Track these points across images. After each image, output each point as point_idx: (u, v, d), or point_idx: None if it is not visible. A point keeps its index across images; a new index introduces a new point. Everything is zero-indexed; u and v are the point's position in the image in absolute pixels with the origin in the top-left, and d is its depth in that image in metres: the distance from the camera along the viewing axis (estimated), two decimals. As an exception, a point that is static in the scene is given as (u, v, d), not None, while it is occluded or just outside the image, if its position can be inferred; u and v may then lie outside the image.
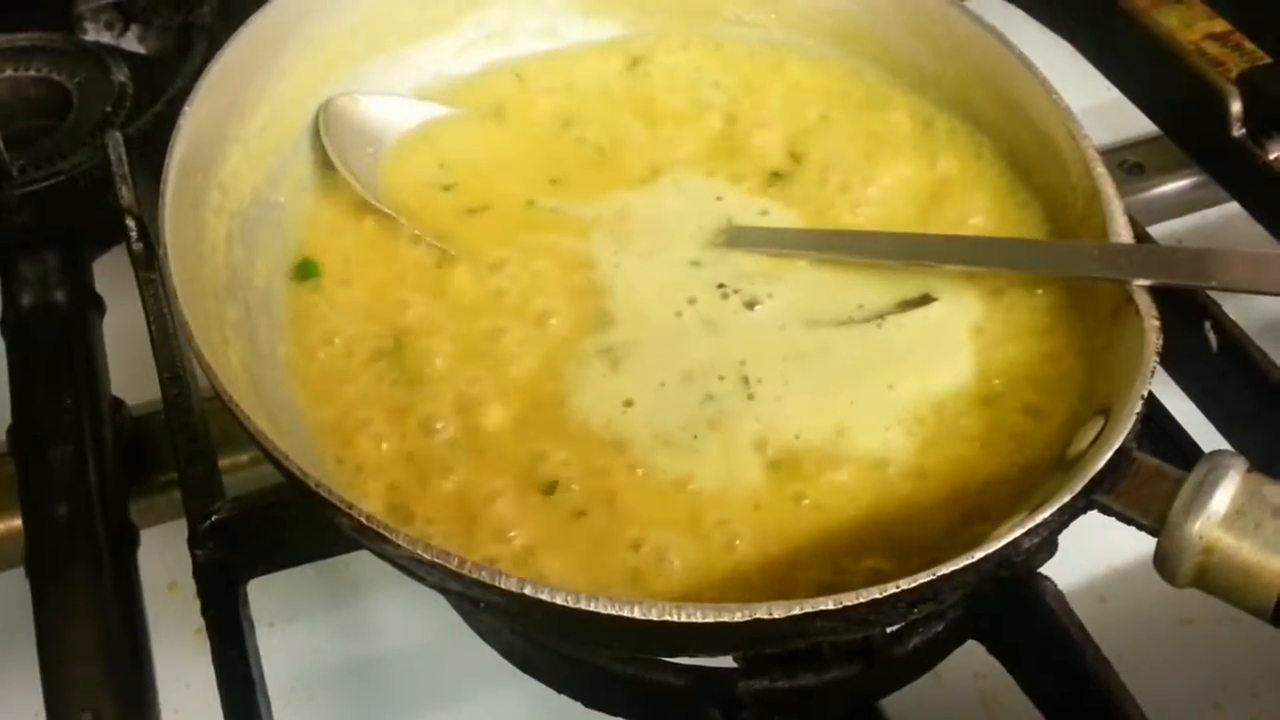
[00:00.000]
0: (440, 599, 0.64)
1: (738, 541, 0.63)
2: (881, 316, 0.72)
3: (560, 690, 0.72)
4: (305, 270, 0.72)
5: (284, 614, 0.82)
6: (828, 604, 0.53)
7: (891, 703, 0.71)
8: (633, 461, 0.66)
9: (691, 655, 0.67)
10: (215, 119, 0.71)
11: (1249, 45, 1.04)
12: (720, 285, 0.74)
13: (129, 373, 0.85)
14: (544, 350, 0.71)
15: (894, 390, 0.69)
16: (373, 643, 0.83)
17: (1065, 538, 0.60)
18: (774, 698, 0.67)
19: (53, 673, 0.70)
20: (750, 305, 0.73)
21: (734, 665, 0.67)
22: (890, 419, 0.68)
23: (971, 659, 0.71)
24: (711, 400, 0.69)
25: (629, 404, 0.68)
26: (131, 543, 0.78)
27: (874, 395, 0.69)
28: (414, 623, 0.82)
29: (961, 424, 0.68)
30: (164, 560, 0.77)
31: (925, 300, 0.73)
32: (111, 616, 0.74)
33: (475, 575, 0.53)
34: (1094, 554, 0.81)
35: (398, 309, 0.72)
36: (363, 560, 0.58)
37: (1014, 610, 0.67)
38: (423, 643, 0.81)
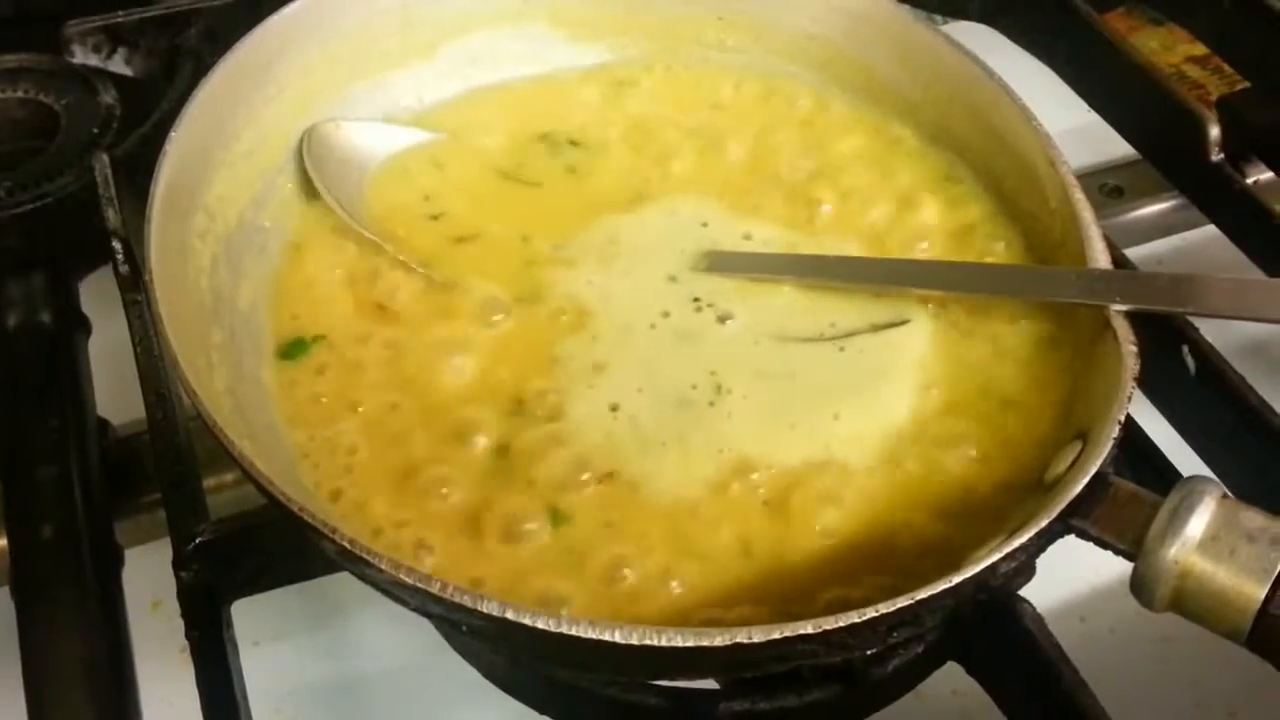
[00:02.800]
0: (425, 619, 0.65)
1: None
2: (851, 335, 0.73)
3: (542, 711, 0.72)
4: (292, 350, 0.72)
5: (269, 634, 0.81)
6: (807, 628, 0.53)
7: (872, 721, 0.71)
8: (615, 470, 0.67)
9: (672, 679, 0.67)
10: (201, 143, 0.72)
11: (1229, 68, 1.05)
12: (695, 299, 0.75)
13: (115, 393, 0.85)
14: (524, 367, 0.72)
15: (839, 420, 0.69)
16: (358, 663, 0.83)
17: (1046, 558, 0.60)
18: (755, 719, 0.67)
19: (37, 692, 0.70)
20: (722, 320, 0.74)
21: (715, 687, 0.67)
22: (838, 446, 0.68)
23: (950, 678, 0.71)
24: (685, 407, 0.69)
25: (615, 408, 0.69)
26: (116, 562, 0.78)
27: (820, 422, 0.69)
28: (399, 643, 0.82)
29: (927, 449, 0.68)
30: (149, 579, 0.77)
31: (898, 323, 0.73)
32: (96, 636, 0.73)
33: (457, 599, 0.53)
34: (1074, 574, 0.81)
35: (380, 332, 0.72)
36: (348, 580, 0.58)
37: (992, 632, 0.67)
38: (408, 663, 0.81)
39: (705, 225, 0.79)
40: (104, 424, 0.85)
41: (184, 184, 0.69)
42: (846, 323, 0.74)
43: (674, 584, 0.63)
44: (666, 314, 0.74)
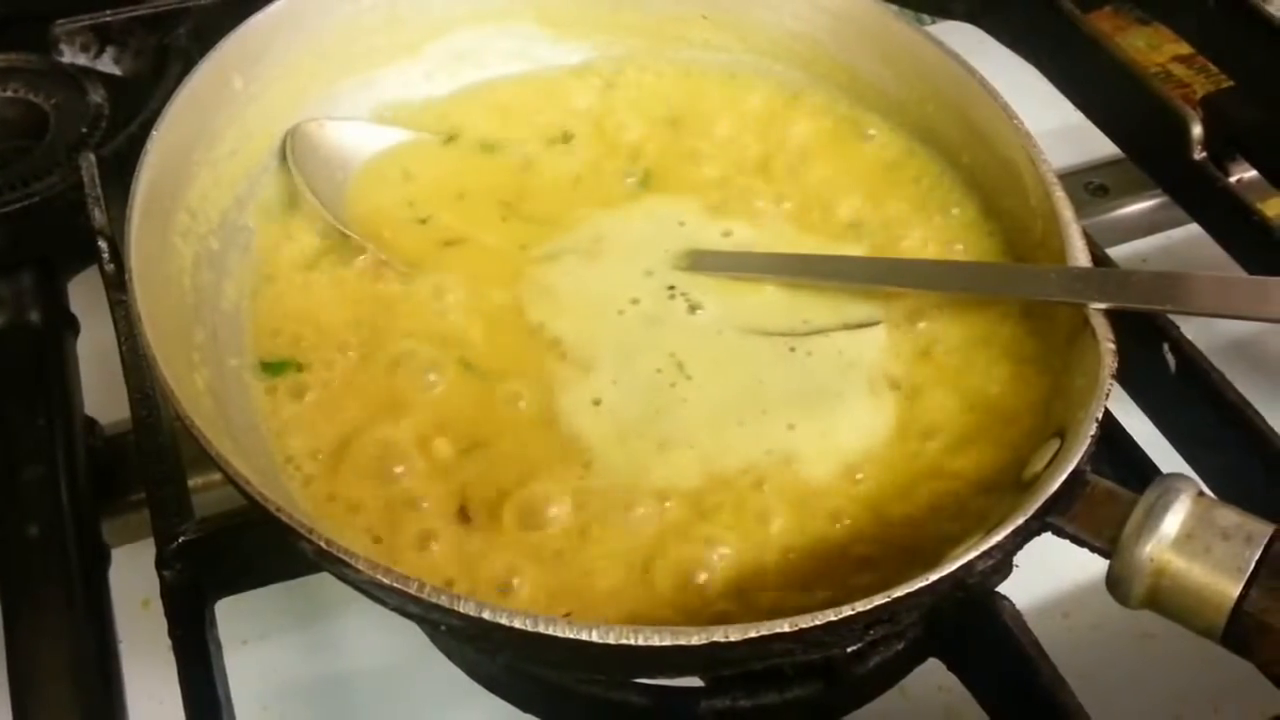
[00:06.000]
0: (411, 619, 0.65)
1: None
2: (822, 333, 0.73)
3: (525, 709, 0.72)
4: (275, 369, 0.71)
5: (257, 632, 0.82)
6: (784, 626, 0.54)
7: (855, 717, 0.72)
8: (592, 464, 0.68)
9: (650, 677, 0.67)
10: (183, 143, 0.72)
11: (1215, 67, 1.05)
12: (670, 288, 0.75)
13: (103, 392, 0.85)
14: (508, 368, 0.72)
15: (798, 421, 0.69)
16: (345, 661, 0.83)
17: (1029, 554, 0.61)
18: (737, 716, 0.68)
19: (23, 690, 0.70)
20: (693, 309, 0.74)
21: (696, 684, 0.67)
22: (795, 444, 0.69)
23: (935, 673, 0.71)
24: (653, 392, 0.70)
25: (597, 403, 0.70)
26: (102, 562, 0.78)
27: (773, 423, 0.70)
28: (386, 642, 0.82)
29: (900, 445, 0.69)
30: (139, 577, 0.76)
31: (870, 323, 0.74)
32: (82, 635, 0.74)
33: (434, 599, 0.54)
34: (1058, 570, 0.81)
35: (362, 332, 0.72)
36: (335, 579, 0.59)
37: (972, 629, 0.68)
38: (394, 661, 0.81)
39: (689, 224, 0.80)
40: (92, 423, 0.85)
41: (166, 183, 0.70)
42: (820, 320, 0.74)
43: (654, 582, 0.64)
44: (636, 300, 0.75)
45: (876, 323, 0.74)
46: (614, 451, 0.68)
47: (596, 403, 0.70)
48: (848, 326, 0.74)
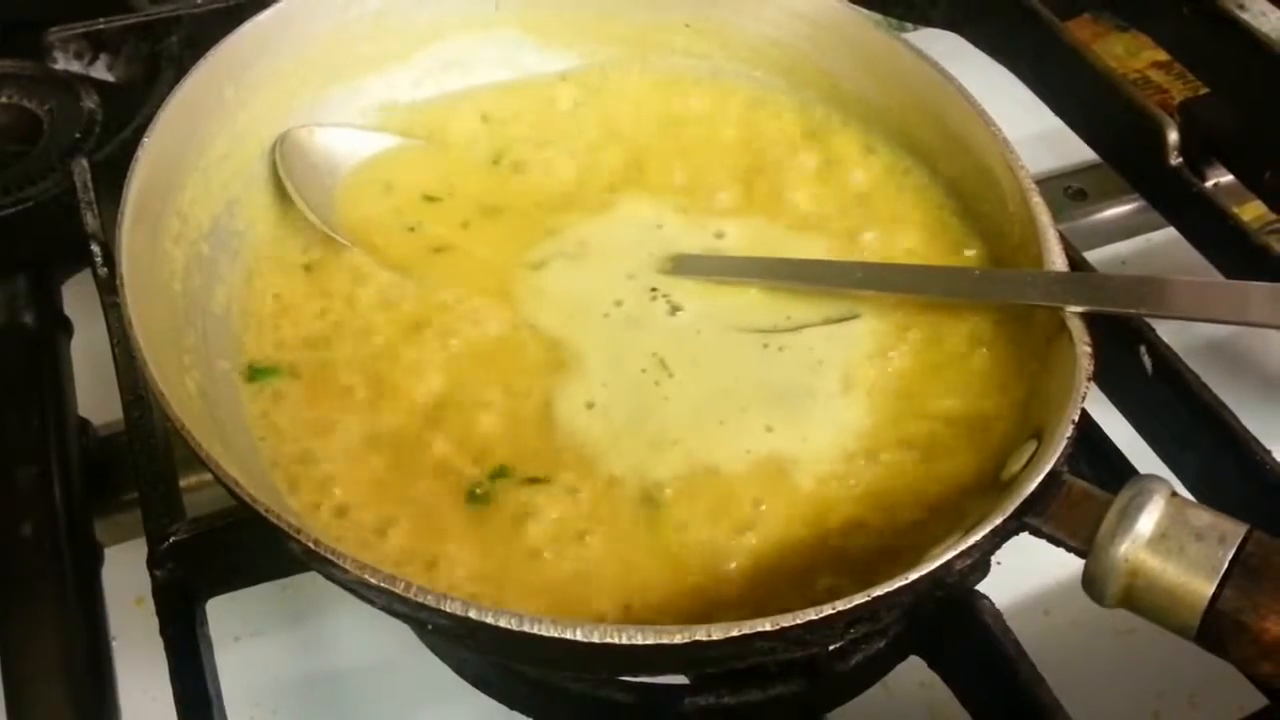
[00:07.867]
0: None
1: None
2: (801, 329, 0.74)
3: (512, 706, 0.73)
4: (264, 372, 0.72)
5: (249, 629, 0.83)
6: (765, 625, 0.54)
7: (839, 714, 0.72)
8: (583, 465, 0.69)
9: (634, 675, 0.68)
10: (175, 148, 0.73)
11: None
12: (652, 289, 0.76)
13: (96, 393, 0.86)
14: (498, 370, 0.73)
15: (772, 432, 0.70)
16: (336, 658, 0.83)
17: (1008, 552, 0.61)
18: (721, 713, 0.68)
19: (16, 688, 0.71)
20: (674, 310, 0.75)
21: (682, 681, 0.68)
22: (778, 444, 0.69)
23: (917, 669, 0.72)
24: (638, 391, 0.71)
25: (590, 405, 0.71)
26: (95, 560, 0.79)
27: (749, 422, 0.70)
28: (376, 639, 0.82)
29: (882, 446, 0.69)
30: (132, 575, 0.77)
31: (849, 317, 0.75)
32: (75, 633, 0.75)
33: (420, 599, 0.54)
34: (1038, 568, 0.81)
35: (350, 336, 0.73)
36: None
37: (952, 627, 0.69)
38: (384, 659, 0.82)
39: (671, 227, 0.80)
40: (85, 424, 0.86)
41: (157, 188, 0.70)
42: (800, 316, 0.75)
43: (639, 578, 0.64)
44: (619, 303, 0.76)
45: (857, 315, 0.74)
46: (609, 451, 0.69)
47: (590, 405, 0.71)
48: (829, 320, 0.74)
